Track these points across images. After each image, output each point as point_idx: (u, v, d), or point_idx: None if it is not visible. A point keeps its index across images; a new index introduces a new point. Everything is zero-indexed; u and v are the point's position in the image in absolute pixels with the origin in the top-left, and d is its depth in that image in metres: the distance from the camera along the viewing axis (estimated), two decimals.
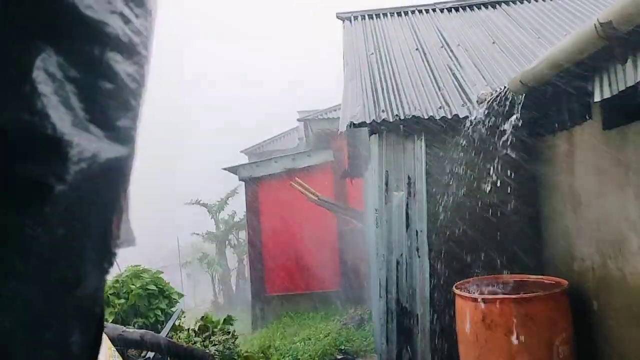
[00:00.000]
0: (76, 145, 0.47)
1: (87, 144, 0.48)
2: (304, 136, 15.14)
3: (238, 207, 18.53)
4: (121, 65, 0.51)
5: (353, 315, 9.16)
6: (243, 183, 12.38)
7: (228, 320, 5.80)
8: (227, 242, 19.15)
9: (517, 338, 3.55)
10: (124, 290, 5.52)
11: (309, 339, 8.08)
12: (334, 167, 11.51)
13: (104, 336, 3.90)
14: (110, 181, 0.51)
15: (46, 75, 0.47)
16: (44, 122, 0.46)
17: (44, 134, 0.46)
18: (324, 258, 11.40)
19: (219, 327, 5.54)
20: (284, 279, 11.58)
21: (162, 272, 5.99)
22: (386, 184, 4.88)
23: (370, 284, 7.48)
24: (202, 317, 5.70)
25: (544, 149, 4.46)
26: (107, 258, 0.53)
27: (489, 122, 4.23)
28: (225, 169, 12.64)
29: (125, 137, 0.52)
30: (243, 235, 18.91)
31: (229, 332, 5.49)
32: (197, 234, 19.43)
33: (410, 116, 4.63)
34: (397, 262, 4.76)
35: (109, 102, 0.50)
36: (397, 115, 4.68)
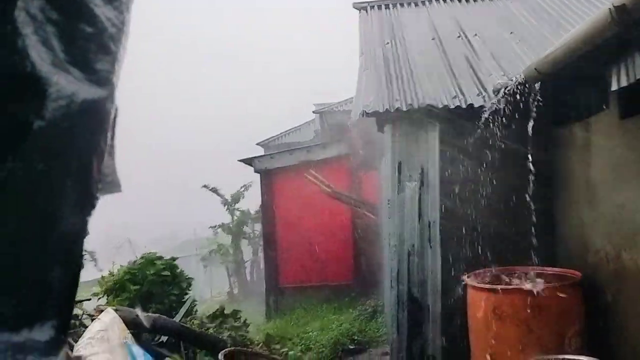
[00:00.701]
0: (55, 84, 0.49)
1: (65, 84, 0.49)
2: (320, 128, 15.14)
3: (253, 199, 18.63)
4: (101, 9, 0.52)
5: (366, 307, 9.17)
6: (258, 175, 12.43)
7: (234, 314, 5.87)
8: (242, 234, 19.26)
9: (529, 329, 3.52)
10: (139, 277, 5.60)
11: (322, 329, 8.11)
12: (348, 159, 11.49)
13: (119, 319, 3.97)
14: (88, 122, 0.52)
15: (27, 16, 0.48)
16: (24, 61, 0.48)
17: (24, 72, 0.47)
18: (338, 250, 11.41)
19: (234, 316, 5.61)
20: (297, 271, 11.62)
21: (177, 258, 6.06)
22: (399, 175, 4.87)
23: (383, 275, 7.48)
24: (217, 310, 5.76)
25: (559, 140, 4.40)
26: (88, 200, 0.55)
27: (503, 111, 4.19)
28: (240, 160, 12.70)
29: (103, 80, 0.53)
30: (258, 227, 18.98)
31: (241, 321, 5.55)
32: (213, 227, 19.56)
33: (424, 105, 4.60)
34: (409, 253, 4.75)
35: (88, 45, 0.51)
36: (410, 104, 4.65)
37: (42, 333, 0.51)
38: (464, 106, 4.57)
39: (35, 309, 0.51)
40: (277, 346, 5.75)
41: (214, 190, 19.20)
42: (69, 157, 0.52)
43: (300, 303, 10.76)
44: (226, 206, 19.38)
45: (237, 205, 19.48)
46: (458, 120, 4.60)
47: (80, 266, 0.58)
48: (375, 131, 8.00)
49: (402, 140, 4.82)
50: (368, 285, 10.27)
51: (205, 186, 19.09)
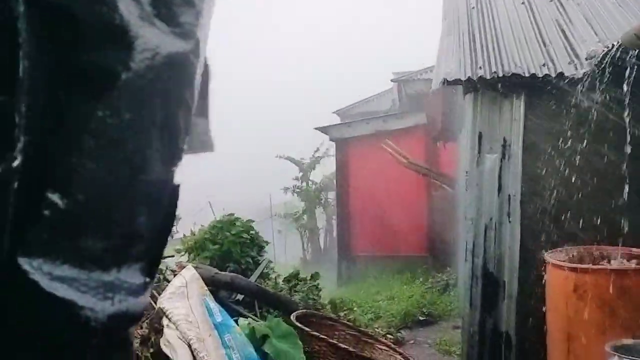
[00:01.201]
0: (141, 37, 0.50)
1: (151, 36, 0.51)
2: (397, 98, 14.87)
3: (329, 168, 18.76)
4: None
5: (438, 280, 9.09)
6: (334, 143, 12.49)
7: (315, 277, 6.00)
8: (316, 201, 19.52)
9: (612, 311, 3.34)
10: (219, 237, 5.83)
11: (393, 299, 8.16)
12: (426, 130, 11.24)
13: (198, 276, 4.18)
14: (173, 75, 0.54)
15: None
16: (113, 13, 0.49)
17: (113, 23, 0.49)
18: (412, 221, 11.31)
19: (306, 280, 5.75)
20: (370, 240, 11.68)
21: (253, 221, 6.26)
22: (479, 146, 4.71)
23: (457, 249, 7.34)
24: (291, 273, 5.92)
25: None
26: (174, 152, 0.57)
27: (597, 80, 3.91)
28: (317, 128, 12.80)
29: (187, 33, 0.54)
30: (333, 195, 19.17)
31: (314, 285, 5.69)
32: (288, 188, 19.93)
33: (510, 74, 4.38)
34: (486, 227, 4.62)
35: None
36: (495, 72, 4.44)
37: (130, 275, 0.54)
38: (553, 75, 4.30)
39: (123, 251, 0.54)
40: (345, 312, 5.84)
41: (290, 159, 19.51)
42: (154, 108, 0.54)
43: (371, 272, 10.85)
44: (302, 173, 19.69)
45: (312, 173, 19.73)
46: (546, 90, 4.34)
47: (171, 216, 0.60)
48: (454, 101, 7.75)
49: (484, 111, 4.64)
50: (441, 258, 10.14)
51: (279, 156, 19.45)
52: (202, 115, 0.63)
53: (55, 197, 0.48)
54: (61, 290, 0.47)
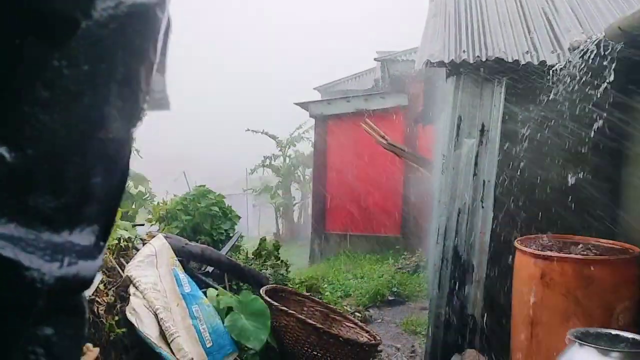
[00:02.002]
0: None
1: None
2: (380, 78, 14.83)
3: (307, 144, 18.72)
4: None
5: (409, 261, 9.22)
6: (313, 120, 12.43)
7: (277, 244, 6.05)
8: (292, 176, 19.53)
9: (576, 300, 3.43)
10: (190, 208, 5.79)
11: (363, 277, 8.25)
12: (407, 111, 11.27)
13: (168, 246, 4.14)
14: (136, 27, 0.51)
15: None
16: None
17: None
18: (387, 202, 11.41)
19: (272, 254, 5.77)
20: (344, 219, 11.75)
21: (224, 197, 6.22)
22: (458, 130, 4.72)
23: (430, 231, 7.44)
24: (260, 240, 5.94)
25: (636, 108, 4.11)
26: (134, 110, 0.54)
27: (578, 72, 3.93)
28: (297, 104, 12.70)
29: None
30: (309, 172, 19.18)
31: (280, 259, 5.71)
32: (263, 164, 19.86)
33: (493, 58, 4.39)
34: (459, 211, 4.66)
35: None
36: (478, 56, 4.44)
37: (82, 237, 0.51)
38: (535, 63, 4.32)
39: (76, 212, 0.51)
40: (313, 290, 5.90)
41: (266, 134, 19.31)
42: (115, 61, 0.50)
43: (344, 250, 10.95)
44: (279, 148, 19.59)
45: (290, 149, 19.67)
46: (528, 78, 4.36)
47: (124, 177, 0.58)
48: (436, 84, 7.74)
49: (465, 94, 4.64)
50: (413, 240, 10.28)
51: (251, 130, 19.21)
52: (160, 72, 0.60)
53: (2, 150, 0.45)
54: (6, 250, 0.45)
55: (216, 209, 5.79)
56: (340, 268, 9.40)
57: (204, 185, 6.18)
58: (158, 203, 6.24)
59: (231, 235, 5.84)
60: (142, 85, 0.54)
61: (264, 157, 19.73)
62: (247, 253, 5.89)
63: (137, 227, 4.88)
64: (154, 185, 9.31)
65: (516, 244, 3.90)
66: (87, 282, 0.51)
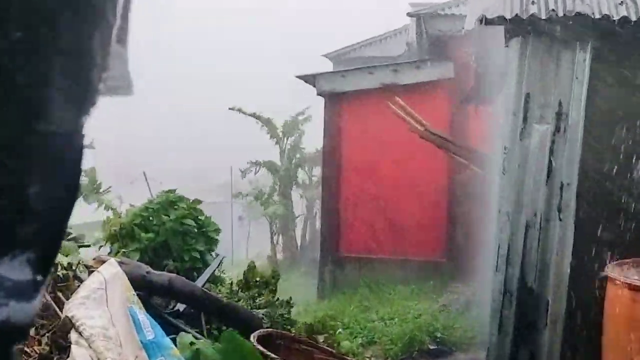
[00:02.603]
0: None
1: None
2: (414, 41, 14.79)
3: (314, 133, 18.71)
4: None
5: (457, 295, 9.19)
6: (322, 99, 12.42)
7: (275, 275, 6.03)
8: (294, 179, 19.52)
9: None
10: (154, 222, 5.81)
11: (393, 318, 8.23)
12: (452, 87, 11.23)
13: (124, 276, 4.16)
14: None
15: None
16: None
17: None
18: (425, 214, 11.38)
19: (267, 285, 5.78)
20: (366, 237, 11.73)
21: (201, 202, 6.25)
22: (525, 112, 4.72)
23: (486, 253, 7.41)
24: (248, 266, 5.95)
25: None
26: (85, 93, 0.53)
27: None
28: (299, 77, 12.71)
29: None
30: (317, 172, 19.16)
31: (275, 292, 5.73)
32: (253, 163, 19.87)
33: (574, 13, 4.38)
34: (527, 225, 4.66)
35: None
36: (553, 10, 4.43)
37: (13, 269, 0.51)
38: (633, 18, 4.30)
39: (6, 233, 0.51)
40: (323, 337, 5.88)
41: (256, 117, 19.24)
42: (57, 26, 0.50)
43: (365, 280, 10.92)
44: (275, 140, 19.56)
45: (290, 140, 19.65)
46: (622, 39, 4.35)
47: (75, 186, 0.58)
48: (493, 50, 7.72)
49: (534, 63, 4.63)
50: (463, 266, 10.24)
51: (237, 109, 19.20)
52: (120, 43, 0.59)
53: None
54: None
55: (190, 222, 5.80)
56: (360, 305, 9.38)
57: (172, 191, 6.19)
58: (108, 218, 6.27)
59: (210, 259, 5.85)
60: (96, 59, 0.53)
61: (251, 162, 19.76)
62: (231, 284, 5.90)
63: (81, 250, 4.90)
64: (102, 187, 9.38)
65: (608, 270, 3.88)
66: (23, 330, 0.51)
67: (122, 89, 0.62)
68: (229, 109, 19.19)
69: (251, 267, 6.08)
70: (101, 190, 8.58)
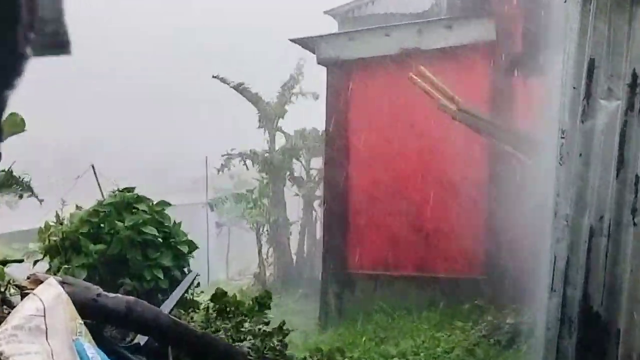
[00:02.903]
0: None
1: None
2: None
3: (312, 114, 18.67)
4: None
5: (500, 322, 9.18)
6: (325, 69, 12.42)
7: (265, 301, 6.00)
8: (286, 172, 19.47)
9: None
10: (106, 230, 5.80)
11: (417, 354, 8.23)
12: (493, 52, 11.21)
13: (67, 299, 4.16)
14: None
15: None
16: None
17: None
18: (459, 218, 11.36)
19: (252, 311, 5.76)
20: (382, 248, 11.73)
21: (169, 205, 6.24)
22: (588, 85, 4.72)
23: (540, 269, 7.41)
24: (214, 295, 5.90)
25: None
26: (8, 52, 0.53)
27: None
28: (293, 41, 12.70)
29: None
30: (317, 163, 19.13)
31: (267, 321, 5.72)
32: (229, 155, 19.81)
33: None
34: (592, 231, 4.65)
35: None
36: None
37: None
38: None
39: None
40: None
41: (238, 89, 19.13)
42: None
43: (381, 304, 10.92)
44: (261, 122, 19.52)
45: (281, 123, 19.62)
46: None
47: None
48: (548, 4, 7.69)
49: (599, 20, 4.63)
50: (508, 287, 10.24)
51: (221, 79, 19.09)
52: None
53: None
54: None
55: (152, 230, 5.79)
56: (375, 336, 9.39)
57: (130, 189, 6.19)
58: (46, 224, 6.25)
59: (179, 277, 5.85)
60: (20, 15, 0.53)
61: (230, 153, 19.64)
62: (208, 309, 5.90)
63: (12, 266, 4.89)
64: (39, 191, 9.37)
65: None
66: None
67: (59, 46, 0.63)
68: (213, 77, 19.09)
69: (218, 296, 6.01)
70: (18, 183, 8.55)
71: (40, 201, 9.46)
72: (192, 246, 6.26)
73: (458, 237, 11.26)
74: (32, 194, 9.07)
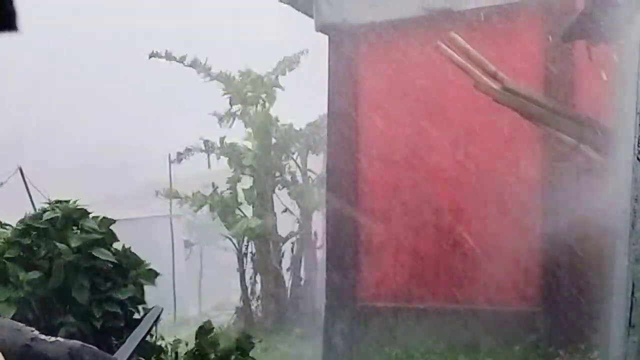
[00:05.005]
0: None
1: None
2: None
3: (310, 97, 18.70)
4: None
5: None
6: (326, 37, 12.45)
7: (245, 343, 6.03)
8: (275, 171, 19.48)
9: None
10: (43, 254, 5.82)
11: None
12: (548, 12, 11.23)
13: None
14: None
15: None
16: None
17: None
18: (506, 231, 11.37)
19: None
20: (403, 272, 11.74)
21: (114, 221, 6.26)
22: None
23: (611, 297, 7.44)
24: (200, 330, 5.94)
25: None
26: None
27: None
28: (284, 1, 12.73)
29: None
30: (316, 162, 19.12)
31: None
32: (203, 151, 19.82)
33: None
34: None
35: None
36: None
37: None
38: None
39: None
40: None
41: (205, 69, 19.13)
42: None
43: (404, 344, 10.93)
44: (242, 106, 19.52)
45: (263, 107, 19.63)
46: None
47: None
48: None
49: None
50: (570, 320, 10.28)
51: (155, 55, 19.02)
52: None
53: None
54: None
55: (104, 254, 5.81)
56: None
57: (72, 202, 6.20)
58: None
59: (138, 316, 5.87)
60: None
61: (198, 146, 19.55)
62: (176, 356, 5.92)
63: None
64: None
65: None
66: None
67: (5, 22, 0.66)
68: (150, 56, 19.04)
69: (206, 330, 6.05)
70: None
71: None
72: (152, 274, 6.28)
73: (504, 258, 11.26)
74: None
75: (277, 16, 13.51)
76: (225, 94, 19.28)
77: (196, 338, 5.97)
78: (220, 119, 19.59)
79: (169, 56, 19.11)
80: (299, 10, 12.77)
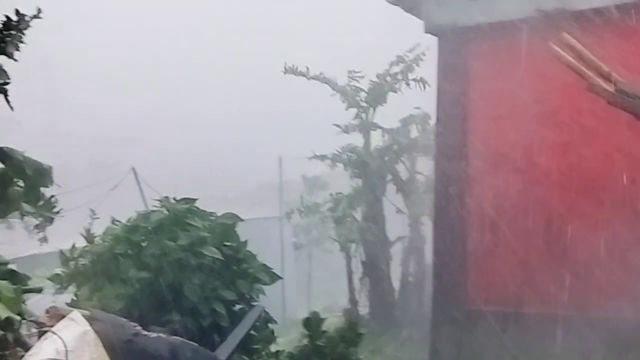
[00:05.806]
0: None
1: None
2: None
3: (417, 101, 18.58)
4: None
5: None
6: (436, 39, 12.38)
7: (352, 334, 5.96)
8: (386, 175, 19.42)
9: None
10: (151, 251, 5.82)
11: None
12: None
13: (96, 340, 4.19)
14: None
15: None
16: None
17: None
18: (621, 237, 11.13)
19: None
20: (514, 276, 11.59)
21: (240, 220, 6.23)
22: None
23: None
24: (307, 319, 5.89)
25: None
26: None
27: None
28: (392, 2, 12.68)
29: None
30: (425, 166, 19.02)
31: None
32: (318, 157, 19.85)
33: None
34: None
35: None
36: None
37: None
38: None
39: None
40: None
41: (326, 80, 19.19)
42: None
43: (513, 350, 10.78)
44: (357, 114, 19.54)
45: (379, 112, 19.60)
46: None
47: None
48: None
49: None
50: None
51: (291, 71, 19.12)
52: None
53: None
54: None
55: (213, 252, 5.79)
56: None
57: (191, 200, 6.20)
58: (73, 246, 6.31)
59: (244, 312, 5.84)
60: None
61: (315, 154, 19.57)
62: (277, 354, 5.87)
63: (28, 297, 4.94)
64: (65, 199, 9.49)
65: None
66: None
67: None
68: (285, 71, 19.20)
69: (315, 319, 5.99)
70: (44, 201, 8.56)
71: (56, 213, 9.52)
72: (270, 275, 6.23)
73: (617, 264, 11.03)
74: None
75: (381, 16, 13.45)
76: (343, 101, 19.39)
77: (304, 327, 5.90)
78: (338, 126, 19.64)
79: (298, 72, 19.25)
80: (408, 12, 12.71)
